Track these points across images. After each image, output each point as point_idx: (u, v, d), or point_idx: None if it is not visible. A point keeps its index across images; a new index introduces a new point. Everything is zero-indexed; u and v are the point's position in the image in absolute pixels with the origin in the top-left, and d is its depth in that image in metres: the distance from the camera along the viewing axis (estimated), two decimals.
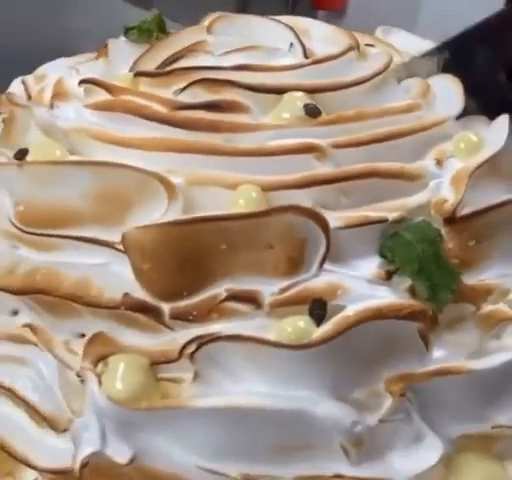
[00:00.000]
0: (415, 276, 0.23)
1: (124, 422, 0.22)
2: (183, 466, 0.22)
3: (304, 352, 0.22)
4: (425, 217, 0.24)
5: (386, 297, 0.22)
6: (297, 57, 0.28)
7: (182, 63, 0.27)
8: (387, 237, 0.23)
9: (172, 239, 0.22)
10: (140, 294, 0.22)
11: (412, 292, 0.23)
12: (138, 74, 0.27)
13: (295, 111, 0.25)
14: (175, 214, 0.23)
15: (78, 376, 0.23)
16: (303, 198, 0.23)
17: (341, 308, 0.22)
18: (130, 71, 0.29)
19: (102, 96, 0.27)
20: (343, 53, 0.27)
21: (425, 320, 0.22)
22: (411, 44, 0.34)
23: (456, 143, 0.26)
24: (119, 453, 0.22)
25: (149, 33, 0.32)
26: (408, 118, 0.26)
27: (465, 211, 0.24)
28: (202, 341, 0.22)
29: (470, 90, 0.27)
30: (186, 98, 0.26)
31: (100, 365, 0.23)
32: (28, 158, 0.26)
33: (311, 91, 0.25)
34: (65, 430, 0.23)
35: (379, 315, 0.22)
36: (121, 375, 0.22)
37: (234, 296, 0.22)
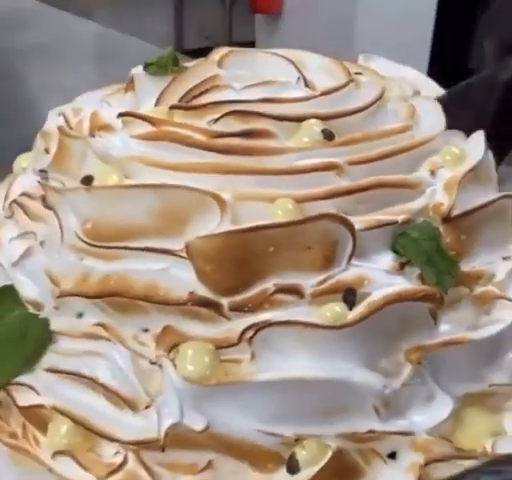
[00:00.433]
0: (423, 266, 0.28)
1: (197, 397, 0.27)
2: (246, 431, 0.27)
3: (341, 331, 0.27)
4: (426, 218, 0.29)
5: (402, 284, 0.28)
6: (302, 88, 0.33)
7: (210, 97, 0.32)
8: (397, 236, 0.29)
9: (228, 245, 0.27)
10: (202, 291, 0.27)
11: (422, 279, 0.28)
12: (174, 107, 0.32)
13: (313, 135, 0.30)
14: (226, 225, 0.27)
15: (151, 363, 0.28)
16: (329, 207, 0.28)
17: (368, 294, 0.27)
18: (157, 103, 0.34)
19: (142, 127, 0.32)
20: (345, 85, 0.32)
21: (434, 301, 0.28)
22: (391, 69, 0.39)
23: (443, 156, 0.32)
24: (195, 423, 0.27)
25: (165, 67, 0.37)
26: (403, 137, 0.31)
27: (457, 212, 0.30)
28: (258, 327, 0.27)
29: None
30: (219, 127, 0.31)
31: (172, 352, 0.27)
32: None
33: (324, 118, 0.30)
34: (146, 407, 0.28)
35: (398, 299, 0.27)
36: (191, 359, 0.27)
37: (281, 289, 0.27)
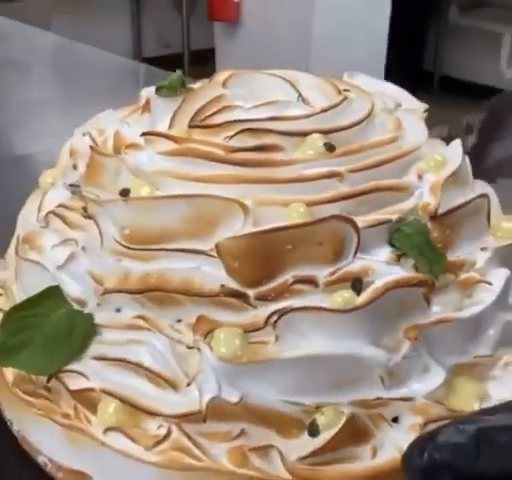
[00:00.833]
0: (416, 257, 0.33)
1: (231, 374, 0.31)
2: (273, 401, 0.32)
3: (350, 314, 0.32)
4: (416, 216, 0.34)
5: (399, 273, 0.33)
6: (302, 106, 0.38)
7: (224, 117, 0.37)
8: (393, 232, 0.34)
9: (253, 244, 0.32)
10: (231, 284, 0.32)
11: (416, 268, 0.33)
12: (192, 126, 0.37)
13: (317, 148, 0.35)
14: (249, 227, 0.32)
15: (188, 347, 0.33)
16: (334, 209, 0.33)
17: (372, 282, 0.32)
18: (171, 122, 0.39)
19: (164, 144, 0.36)
20: (340, 102, 0.37)
21: (427, 286, 0.33)
22: (372, 85, 0.44)
23: (427, 162, 0.37)
24: (231, 396, 0.31)
25: (175, 89, 0.41)
26: (393, 147, 0.36)
27: (442, 210, 0.35)
28: (280, 313, 0.32)
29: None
30: (235, 143, 0.35)
31: (207, 337, 0.32)
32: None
33: (325, 132, 0.35)
34: (187, 385, 0.32)
35: (397, 285, 0.32)
36: (224, 342, 0.32)
37: (298, 280, 0.32)
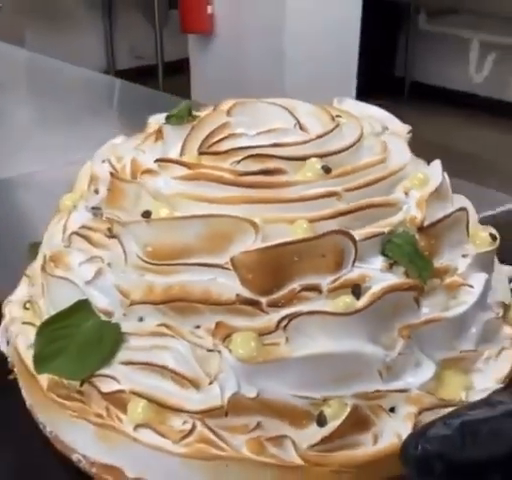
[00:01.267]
0: (407, 265, 0.38)
1: (248, 373, 0.36)
2: (285, 396, 0.36)
3: (352, 317, 0.36)
4: (404, 228, 0.39)
5: (393, 279, 0.37)
6: (300, 133, 0.43)
7: (230, 144, 0.41)
8: (385, 243, 0.38)
9: (263, 258, 0.36)
10: (246, 293, 0.36)
11: (406, 274, 0.37)
12: (202, 153, 0.41)
13: (315, 171, 0.39)
14: (259, 242, 0.37)
15: (208, 350, 0.37)
16: (333, 225, 0.37)
17: (369, 288, 0.37)
18: (182, 149, 0.43)
19: (178, 170, 0.41)
20: (334, 129, 0.42)
21: (417, 290, 0.37)
22: (360, 109, 0.49)
23: (412, 180, 0.41)
24: (249, 392, 0.36)
25: (183, 118, 0.45)
26: (381, 167, 0.41)
27: (427, 223, 0.39)
28: (290, 318, 0.36)
29: None
30: (242, 168, 0.40)
31: (226, 341, 0.36)
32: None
33: (322, 156, 0.40)
34: (209, 384, 0.37)
35: (391, 290, 0.37)
36: (240, 344, 0.36)
37: (305, 288, 0.36)
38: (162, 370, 0.37)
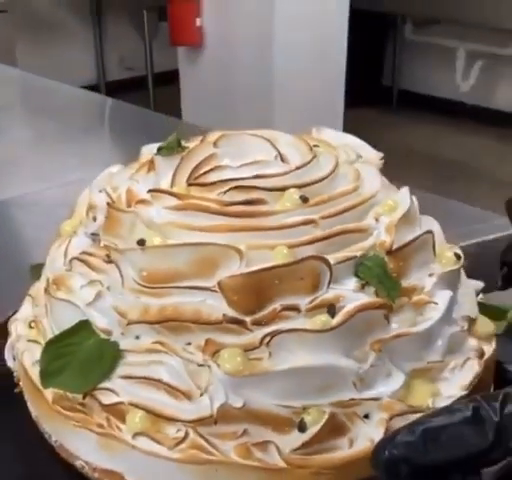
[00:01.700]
0: (377, 285, 0.42)
1: (235, 385, 0.39)
2: (269, 405, 0.40)
3: (328, 333, 0.40)
4: (375, 252, 0.43)
5: (364, 299, 0.41)
6: (280, 164, 0.47)
7: (217, 175, 0.45)
8: (358, 265, 0.42)
9: (248, 281, 0.40)
10: (232, 313, 0.40)
11: (377, 294, 0.42)
12: (191, 184, 0.45)
13: (294, 200, 0.43)
14: (244, 267, 0.41)
15: (199, 365, 0.41)
16: (311, 250, 0.41)
17: (343, 307, 0.41)
18: (173, 179, 0.47)
19: (169, 200, 0.45)
20: (311, 160, 0.46)
21: (386, 308, 0.41)
22: (336, 138, 0.53)
23: (382, 207, 0.45)
24: (236, 402, 0.39)
25: (173, 149, 0.49)
26: (354, 195, 0.45)
27: (395, 246, 0.43)
28: (272, 335, 0.40)
29: None
30: (227, 198, 0.43)
31: (215, 356, 0.40)
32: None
33: (300, 187, 0.44)
34: (200, 396, 0.40)
35: (363, 308, 0.41)
36: (228, 359, 0.40)
37: (285, 308, 0.40)
38: (157, 383, 0.41)
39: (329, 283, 0.41)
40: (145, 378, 0.41)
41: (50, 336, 0.45)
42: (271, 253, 0.41)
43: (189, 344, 0.41)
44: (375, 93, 4.16)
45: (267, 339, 0.40)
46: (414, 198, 0.47)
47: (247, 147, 0.48)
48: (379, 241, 0.43)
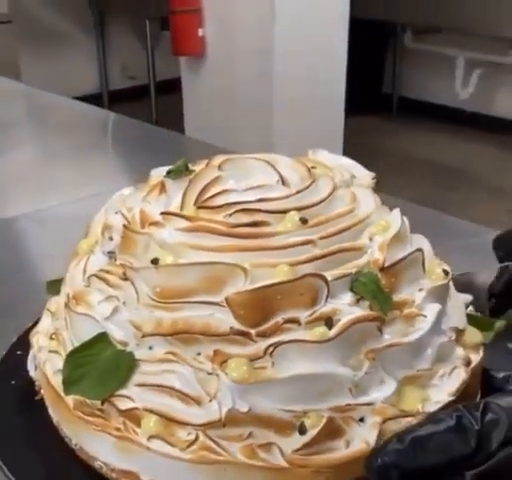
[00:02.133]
0: (371, 300, 0.45)
1: (241, 391, 0.43)
2: (272, 410, 0.44)
3: (326, 344, 0.44)
4: (369, 269, 0.47)
5: (359, 312, 0.45)
6: (282, 188, 0.50)
7: (224, 199, 0.49)
8: (353, 281, 0.46)
9: (252, 297, 0.44)
10: (238, 326, 0.44)
11: (371, 308, 0.46)
12: (200, 207, 0.49)
13: (294, 222, 0.47)
14: (249, 284, 0.44)
15: (208, 374, 0.45)
16: (310, 268, 0.45)
17: (339, 320, 0.45)
18: (182, 201, 0.51)
19: (179, 221, 0.49)
20: (311, 184, 0.50)
21: (379, 321, 0.45)
22: (331, 159, 0.57)
23: (376, 227, 0.49)
24: (242, 407, 0.43)
25: (181, 172, 0.53)
26: (351, 216, 0.49)
27: (387, 264, 0.47)
28: (275, 346, 0.44)
29: None
30: (233, 220, 0.47)
31: (222, 366, 0.44)
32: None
33: (300, 209, 0.48)
34: (209, 401, 0.44)
35: (358, 321, 0.44)
36: (235, 368, 0.43)
37: (287, 321, 0.44)
38: (170, 390, 0.45)
39: (327, 298, 0.45)
40: (158, 386, 0.45)
41: (70, 347, 0.49)
42: (273, 271, 0.45)
43: (199, 354, 0.45)
44: (375, 100, 4.21)
45: (270, 349, 0.44)
46: (405, 218, 0.51)
47: (250, 170, 0.52)
48: (373, 259, 0.47)
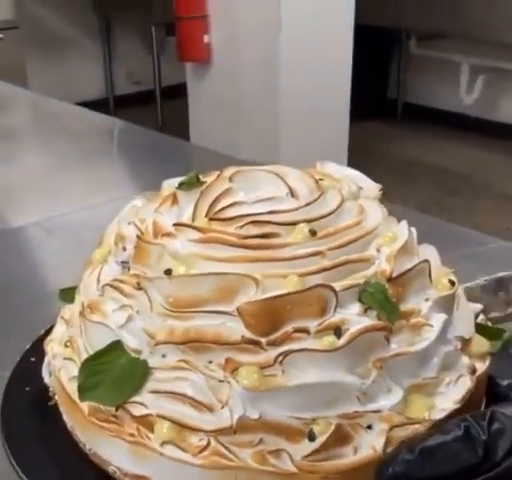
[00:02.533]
0: (378, 310, 0.47)
1: (252, 399, 0.44)
2: (282, 417, 0.45)
3: (334, 353, 0.45)
4: (376, 279, 0.48)
5: (367, 322, 0.46)
6: (291, 200, 0.52)
7: (235, 211, 0.50)
8: (361, 292, 0.47)
9: (263, 306, 0.45)
10: (249, 335, 0.45)
11: (378, 317, 0.47)
12: (212, 219, 0.50)
13: (304, 234, 0.48)
14: (260, 294, 0.46)
15: (219, 381, 0.46)
16: (319, 279, 0.46)
17: (348, 329, 0.46)
18: (194, 213, 0.52)
19: (192, 232, 0.50)
20: (319, 196, 0.51)
21: (387, 330, 0.46)
22: (338, 171, 0.58)
23: (383, 238, 0.51)
24: (253, 414, 0.44)
25: (192, 184, 0.55)
26: (359, 228, 0.50)
27: (395, 274, 0.48)
28: (285, 354, 0.45)
29: None
30: (244, 232, 0.49)
31: (234, 373, 0.45)
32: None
33: (309, 221, 0.49)
34: (221, 408, 0.46)
35: (366, 331, 0.46)
36: (245, 376, 0.45)
37: (296, 330, 0.45)
38: (182, 397, 0.46)
39: (335, 308, 0.46)
40: (171, 392, 0.46)
41: (84, 355, 0.51)
42: (284, 281, 0.46)
43: (211, 362, 0.46)
44: (380, 106, 4.23)
45: (280, 358, 0.45)
46: (412, 229, 0.52)
47: (260, 182, 0.54)
48: (380, 270, 0.48)
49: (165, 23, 3.75)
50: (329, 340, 0.45)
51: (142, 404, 0.47)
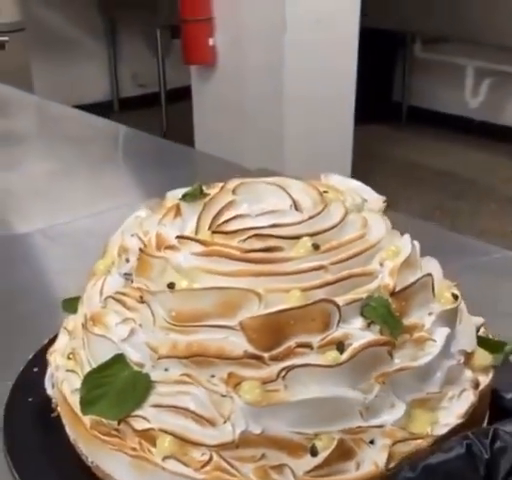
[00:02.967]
0: (381, 324, 0.47)
1: (254, 414, 0.44)
2: (284, 432, 0.45)
3: (337, 368, 0.45)
4: (379, 294, 0.48)
5: (370, 337, 0.46)
6: (295, 213, 0.52)
7: (238, 224, 0.50)
8: (364, 306, 0.47)
9: (266, 321, 0.45)
10: (251, 350, 0.45)
11: (381, 332, 0.47)
12: (215, 232, 0.50)
13: (307, 248, 0.48)
14: (262, 309, 0.46)
15: (222, 396, 0.46)
16: (322, 293, 0.46)
17: (350, 344, 0.46)
18: (197, 225, 0.52)
19: (195, 246, 0.50)
20: (323, 209, 0.51)
21: (389, 345, 0.46)
22: (342, 183, 0.58)
23: (386, 252, 0.50)
24: (255, 429, 0.44)
25: (196, 196, 0.55)
26: (362, 242, 0.50)
27: (398, 288, 0.48)
28: (288, 369, 0.45)
29: None
30: (246, 245, 0.49)
31: (236, 388, 0.45)
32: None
33: (312, 235, 0.49)
34: (223, 423, 0.45)
35: (369, 346, 0.46)
36: (248, 391, 0.45)
37: (299, 345, 0.45)
38: (185, 411, 0.46)
39: (338, 323, 0.46)
40: (174, 407, 0.46)
41: (87, 367, 0.51)
42: (286, 296, 0.46)
43: (213, 377, 0.46)
44: (385, 109, 4.22)
45: (283, 373, 0.45)
46: (416, 243, 0.52)
47: (263, 194, 0.54)
48: (383, 284, 0.48)
49: (170, 26, 3.75)
50: (332, 355, 0.45)
51: (144, 418, 0.47)
